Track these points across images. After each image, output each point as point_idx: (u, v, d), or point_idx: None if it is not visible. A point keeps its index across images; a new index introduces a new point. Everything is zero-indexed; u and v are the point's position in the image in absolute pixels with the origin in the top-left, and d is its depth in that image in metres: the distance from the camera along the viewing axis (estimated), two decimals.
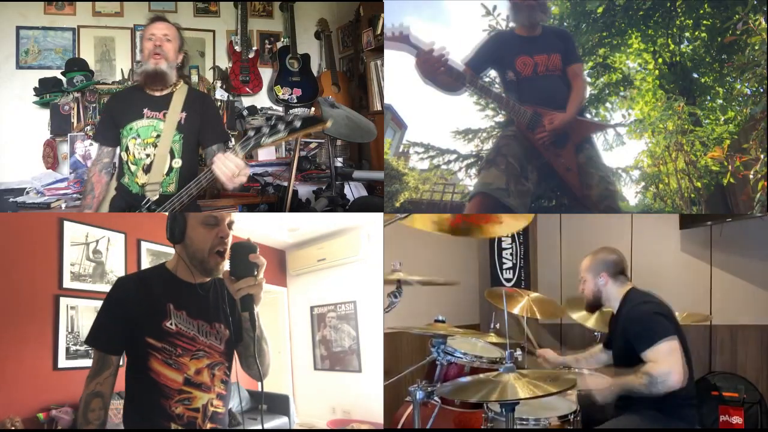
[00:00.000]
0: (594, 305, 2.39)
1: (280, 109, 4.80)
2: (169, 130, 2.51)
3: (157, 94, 2.57)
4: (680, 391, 2.00)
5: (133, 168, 2.56)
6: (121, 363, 1.58)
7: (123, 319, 1.52)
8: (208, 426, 1.54)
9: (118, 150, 2.65)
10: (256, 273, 1.50)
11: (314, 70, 4.89)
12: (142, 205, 2.49)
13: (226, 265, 1.56)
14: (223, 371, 1.61)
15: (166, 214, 2.34)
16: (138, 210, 2.51)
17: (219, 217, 1.56)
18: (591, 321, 3.14)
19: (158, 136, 2.52)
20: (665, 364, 1.98)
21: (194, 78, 4.45)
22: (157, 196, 2.51)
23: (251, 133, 2.07)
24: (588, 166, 2.65)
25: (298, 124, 2.01)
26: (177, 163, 2.55)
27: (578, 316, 3.15)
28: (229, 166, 2.06)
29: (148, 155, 2.54)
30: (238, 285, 1.49)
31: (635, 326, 2.14)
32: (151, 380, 1.49)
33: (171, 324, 1.52)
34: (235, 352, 1.68)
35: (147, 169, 2.54)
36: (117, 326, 1.53)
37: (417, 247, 3.48)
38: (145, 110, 2.55)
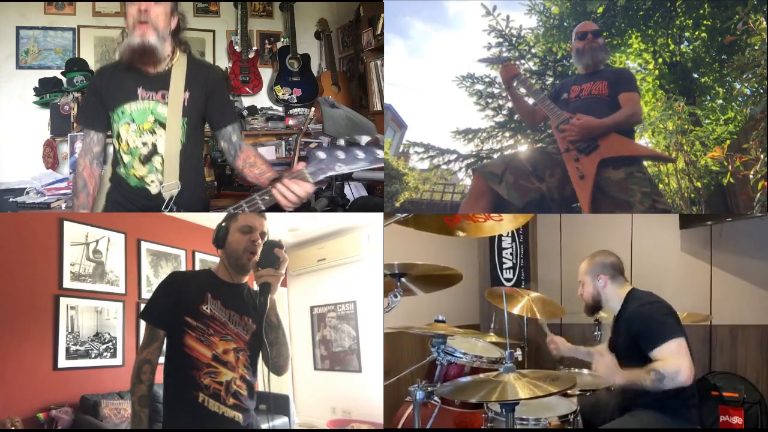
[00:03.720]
0: (593, 308, 2.39)
1: (280, 109, 4.80)
2: (174, 118, 2.19)
3: (152, 70, 2.19)
4: (682, 391, 2.00)
5: (127, 158, 2.25)
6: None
7: (170, 301, 1.80)
8: (231, 401, 1.76)
9: (108, 135, 2.32)
10: (278, 266, 1.78)
11: (314, 70, 4.89)
12: (164, 208, 2.25)
13: (254, 263, 1.83)
14: (246, 357, 1.82)
15: (169, 214, 2.32)
16: (139, 204, 2.30)
17: (253, 227, 1.83)
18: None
19: (156, 121, 2.20)
20: (674, 363, 1.99)
21: None
22: (177, 191, 2.25)
23: (322, 155, 1.83)
24: (629, 182, 2.56)
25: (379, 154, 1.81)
26: (179, 146, 2.26)
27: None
28: (298, 193, 1.87)
29: (144, 143, 2.22)
30: (260, 273, 1.77)
31: (643, 324, 2.13)
32: (185, 354, 1.74)
33: (207, 308, 1.78)
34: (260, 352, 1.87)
35: (144, 160, 2.24)
36: (165, 306, 1.80)
37: (417, 247, 3.47)
38: (140, 90, 2.18)
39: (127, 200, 2.34)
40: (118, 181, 2.34)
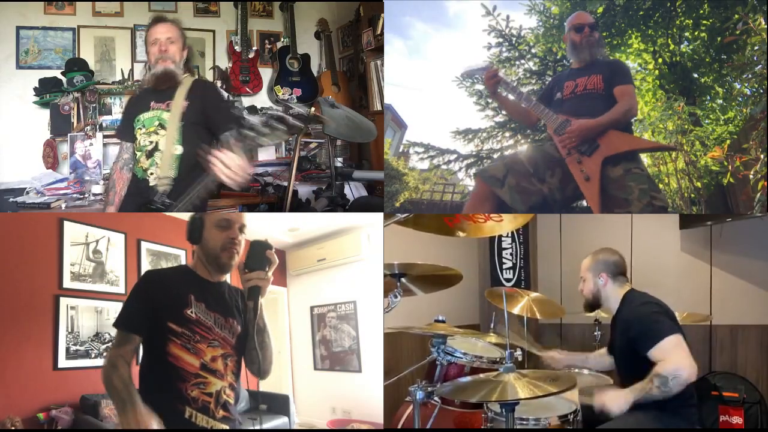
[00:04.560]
0: (592, 305, 2.39)
1: (280, 109, 4.78)
2: (173, 121, 2.59)
3: (163, 87, 2.67)
4: (682, 390, 2.00)
5: (138, 155, 2.68)
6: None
7: (146, 304, 1.66)
8: (220, 413, 1.65)
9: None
10: (267, 269, 1.68)
11: (314, 70, 4.89)
12: (156, 200, 2.51)
13: (237, 262, 1.74)
14: (234, 363, 1.73)
15: (169, 214, 2.35)
16: (145, 198, 2.57)
17: (231, 221, 1.73)
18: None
19: (160, 125, 2.61)
20: (673, 361, 1.98)
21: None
22: (169, 187, 2.55)
23: (248, 132, 2.09)
24: (626, 179, 2.55)
25: (299, 124, 2.14)
26: (177, 150, 2.59)
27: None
28: (228, 164, 2.07)
29: (151, 142, 2.63)
30: (249, 276, 1.67)
31: (636, 327, 2.13)
32: (169, 364, 1.60)
33: (191, 312, 1.65)
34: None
35: (148, 155, 2.63)
36: (141, 310, 1.66)
37: (417, 247, 3.48)
38: (152, 103, 2.67)
39: (136, 192, 2.69)
40: (133, 176, 2.74)
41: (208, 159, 2.09)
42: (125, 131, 2.79)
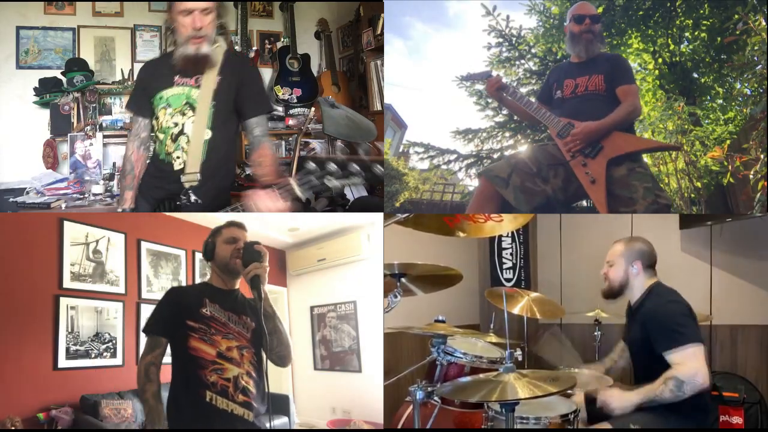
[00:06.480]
0: (616, 292, 2.32)
1: (280, 109, 4.80)
2: (204, 102, 2.30)
3: (192, 72, 2.35)
4: (698, 396, 1.99)
5: (161, 137, 2.40)
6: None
7: (170, 310, 1.93)
8: (240, 398, 1.83)
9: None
10: (260, 259, 1.87)
11: (314, 70, 4.89)
12: (183, 196, 2.33)
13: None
14: (251, 354, 1.91)
15: (169, 215, 2.39)
16: (170, 182, 2.37)
17: (236, 237, 1.99)
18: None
19: (189, 104, 2.33)
20: (691, 367, 1.98)
21: None
22: (196, 183, 2.34)
23: (311, 166, 1.87)
24: (630, 178, 2.54)
25: (379, 171, 1.85)
26: (207, 134, 2.34)
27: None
28: (262, 209, 2.04)
29: (176, 123, 2.36)
30: (248, 269, 1.87)
31: (661, 324, 2.10)
32: (190, 356, 1.82)
33: (207, 311, 1.89)
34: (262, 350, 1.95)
35: (174, 138, 2.37)
36: (166, 315, 1.93)
37: (417, 247, 3.48)
38: (176, 77, 2.35)
39: (157, 174, 2.45)
40: (153, 158, 2.51)
41: (242, 194, 2.09)
42: (141, 105, 2.44)
